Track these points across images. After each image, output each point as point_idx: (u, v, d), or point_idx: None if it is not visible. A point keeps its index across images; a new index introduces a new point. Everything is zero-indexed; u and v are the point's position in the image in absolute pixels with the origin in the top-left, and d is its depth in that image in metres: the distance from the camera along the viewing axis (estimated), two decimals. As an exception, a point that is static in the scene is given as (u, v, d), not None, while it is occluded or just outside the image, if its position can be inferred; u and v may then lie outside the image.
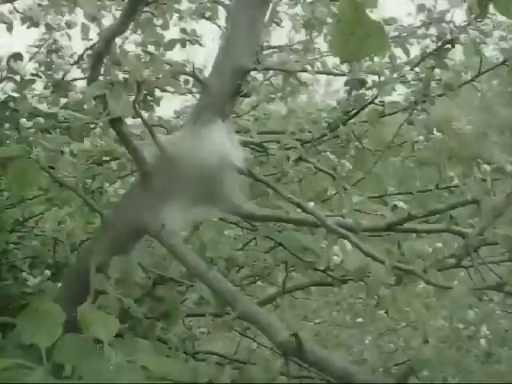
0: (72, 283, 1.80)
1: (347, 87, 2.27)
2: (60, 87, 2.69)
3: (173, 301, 2.17)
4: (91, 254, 1.73)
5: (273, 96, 2.80)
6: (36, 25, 3.60)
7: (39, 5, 3.61)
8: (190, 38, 3.14)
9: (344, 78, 2.44)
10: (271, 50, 2.60)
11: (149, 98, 2.69)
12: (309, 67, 1.65)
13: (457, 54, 3.03)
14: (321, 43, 3.49)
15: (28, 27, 3.64)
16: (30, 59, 3.86)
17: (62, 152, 2.39)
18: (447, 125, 3.57)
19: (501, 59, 3.22)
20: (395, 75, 2.33)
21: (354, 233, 1.68)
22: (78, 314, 1.20)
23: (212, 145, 1.71)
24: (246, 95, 1.76)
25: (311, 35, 2.67)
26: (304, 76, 2.10)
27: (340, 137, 2.44)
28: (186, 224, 1.79)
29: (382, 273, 1.51)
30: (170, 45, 1.72)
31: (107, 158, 2.61)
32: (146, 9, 3.37)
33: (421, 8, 3.22)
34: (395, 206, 2.85)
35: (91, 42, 2.94)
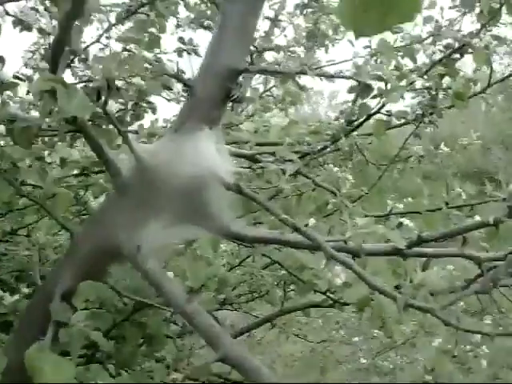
0: (36, 311, 1.53)
1: (351, 94, 2.01)
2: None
3: (156, 326, 1.90)
4: (58, 278, 1.47)
5: (270, 105, 2.56)
6: (28, 29, 3.36)
7: (32, 8, 3.37)
8: (186, 48, 2.91)
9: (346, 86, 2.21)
10: (272, 59, 2.36)
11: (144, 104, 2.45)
12: (308, 69, 1.39)
13: (465, 67, 2.82)
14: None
15: (20, 31, 3.40)
16: (25, 65, 3.63)
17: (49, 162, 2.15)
18: (454, 139, 3.34)
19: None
20: (403, 83, 2.07)
21: (358, 257, 1.43)
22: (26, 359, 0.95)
23: (197, 155, 1.45)
24: (237, 100, 1.50)
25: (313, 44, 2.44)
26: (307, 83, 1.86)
27: (342, 149, 2.18)
28: (167, 245, 1.52)
29: (393, 310, 1.25)
30: (154, 43, 1.46)
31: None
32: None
33: (428, 19, 2.99)
34: (400, 223, 2.60)
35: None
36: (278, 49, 1.85)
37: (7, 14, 3.26)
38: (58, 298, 1.40)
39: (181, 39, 3.62)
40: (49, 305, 1.43)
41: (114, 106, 2.54)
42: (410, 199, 2.90)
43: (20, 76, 2.40)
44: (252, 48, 1.80)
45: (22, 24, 3.34)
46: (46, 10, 3.36)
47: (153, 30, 3.08)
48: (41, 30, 3.33)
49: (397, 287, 1.30)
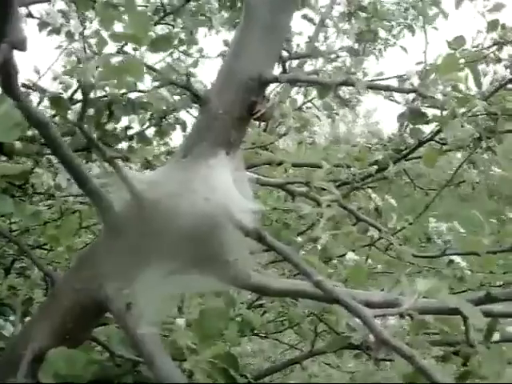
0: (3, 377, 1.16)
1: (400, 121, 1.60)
2: (59, 104, 2.08)
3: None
4: (30, 337, 1.12)
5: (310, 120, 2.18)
6: (57, 32, 3.03)
7: (59, 10, 3.04)
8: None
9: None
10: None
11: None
12: (354, 78, 1.00)
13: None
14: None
15: (48, 34, 3.07)
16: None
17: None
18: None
19: None
20: (463, 109, 1.65)
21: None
22: None
23: (208, 189, 1.09)
24: (263, 118, 1.12)
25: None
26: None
27: (388, 177, 1.78)
28: (165, 301, 1.14)
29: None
30: (162, 42, 1.08)
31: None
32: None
33: (493, 25, 2.51)
34: (451, 261, 2.20)
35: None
36: (316, 54, 1.47)
37: (31, 16, 2.95)
38: (25, 368, 1.04)
39: (225, 42, 3.27)
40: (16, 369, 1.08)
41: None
42: (456, 224, 2.50)
43: (28, 84, 2.06)
44: (285, 53, 1.43)
45: (47, 27, 3.02)
46: (77, 11, 3.03)
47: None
48: (69, 34, 3.01)
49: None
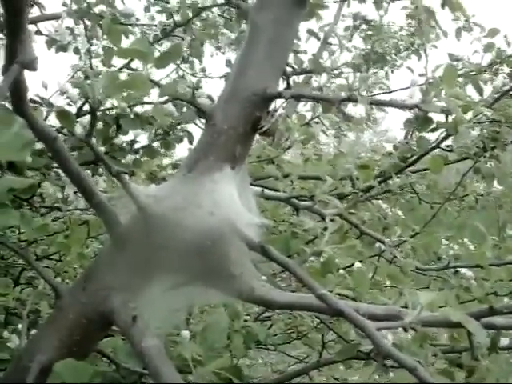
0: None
1: (406, 128, 1.62)
2: (66, 118, 2.09)
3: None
4: (38, 349, 1.13)
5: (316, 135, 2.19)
6: (63, 49, 3.06)
7: (67, 28, 3.08)
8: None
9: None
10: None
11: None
12: (358, 95, 1.02)
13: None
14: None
15: (56, 51, 3.11)
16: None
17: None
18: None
19: None
20: (468, 115, 1.67)
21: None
22: None
23: (213, 203, 1.10)
24: (267, 133, 1.14)
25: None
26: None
27: (393, 190, 1.79)
28: (171, 314, 1.16)
29: None
30: (167, 58, 1.10)
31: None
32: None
33: (488, 47, 2.60)
34: (457, 271, 2.20)
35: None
36: (320, 70, 1.48)
37: (40, 33, 2.98)
38: (32, 379, 1.05)
39: (228, 62, 3.28)
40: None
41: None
42: (467, 241, 2.50)
43: (36, 99, 2.08)
44: (288, 68, 1.45)
45: (56, 44, 3.05)
46: (85, 29, 3.07)
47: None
48: (77, 50, 3.05)
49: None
